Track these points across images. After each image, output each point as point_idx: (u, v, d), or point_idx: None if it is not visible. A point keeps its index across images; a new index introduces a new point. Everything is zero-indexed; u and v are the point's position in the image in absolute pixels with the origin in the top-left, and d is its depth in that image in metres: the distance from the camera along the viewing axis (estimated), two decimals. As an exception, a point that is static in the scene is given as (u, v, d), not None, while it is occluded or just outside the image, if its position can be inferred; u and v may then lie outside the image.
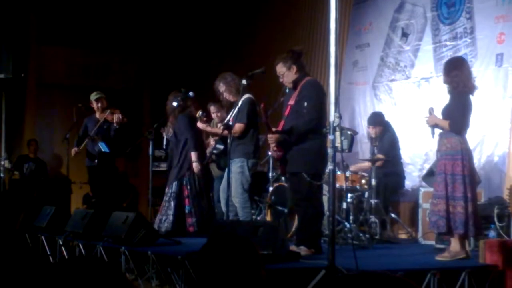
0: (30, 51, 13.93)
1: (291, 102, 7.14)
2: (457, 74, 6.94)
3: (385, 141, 9.44)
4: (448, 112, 6.95)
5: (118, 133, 10.18)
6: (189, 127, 9.21)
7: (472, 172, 6.95)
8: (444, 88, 7.33)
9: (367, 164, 9.36)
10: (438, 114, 7.13)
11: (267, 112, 7.35)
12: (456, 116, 6.89)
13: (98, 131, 10.32)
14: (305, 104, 6.99)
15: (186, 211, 9.20)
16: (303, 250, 6.88)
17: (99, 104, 10.46)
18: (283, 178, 9.56)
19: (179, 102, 8.85)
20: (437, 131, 7.10)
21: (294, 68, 7.17)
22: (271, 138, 7.11)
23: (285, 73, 7.18)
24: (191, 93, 8.72)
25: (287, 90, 7.52)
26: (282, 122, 7.19)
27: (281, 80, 7.31)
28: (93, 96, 10.51)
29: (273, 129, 7.12)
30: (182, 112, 9.27)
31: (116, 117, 10.15)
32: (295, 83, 7.19)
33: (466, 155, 6.86)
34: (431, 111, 7.14)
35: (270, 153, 9.88)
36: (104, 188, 10.29)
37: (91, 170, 10.49)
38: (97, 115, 10.49)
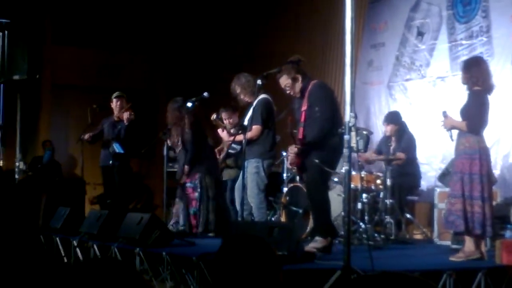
0: (45, 52, 13.95)
1: (304, 107, 7.22)
2: (476, 71, 6.90)
3: (403, 141, 9.41)
4: (466, 112, 6.91)
5: (128, 132, 10.19)
6: (194, 141, 9.38)
7: (489, 172, 6.91)
8: (460, 87, 7.30)
9: (380, 157, 9.40)
10: (454, 114, 7.08)
11: (294, 124, 7.51)
12: (474, 116, 6.85)
13: (112, 131, 10.34)
14: (316, 108, 7.06)
15: (191, 212, 9.45)
16: (319, 241, 6.89)
17: (118, 103, 10.46)
18: (297, 178, 9.56)
19: (194, 103, 8.84)
20: (455, 131, 7.05)
21: (299, 77, 7.29)
22: (292, 150, 7.16)
23: (291, 84, 7.30)
24: (205, 94, 8.70)
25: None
26: (301, 129, 7.24)
27: (288, 92, 7.37)
28: (114, 94, 10.53)
29: (298, 142, 7.21)
30: (193, 123, 9.38)
31: (126, 114, 10.18)
32: (302, 91, 7.28)
33: (484, 154, 6.84)
34: (445, 114, 7.10)
35: (284, 153, 9.89)
36: (118, 189, 10.31)
37: (105, 170, 10.50)
38: (115, 115, 10.48)
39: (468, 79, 6.94)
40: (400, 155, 9.28)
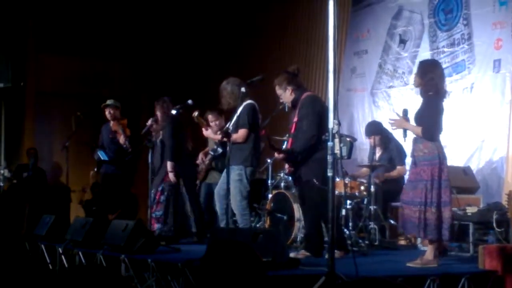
0: (29, 60, 13.95)
1: (295, 119, 7.37)
2: (432, 77, 6.78)
3: (391, 151, 9.41)
4: (420, 118, 6.81)
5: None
6: (172, 135, 9.32)
7: (449, 177, 6.86)
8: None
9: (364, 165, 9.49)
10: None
11: (269, 136, 7.88)
12: (429, 122, 6.74)
13: (109, 140, 10.37)
14: (304, 122, 7.19)
15: (153, 216, 9.27)
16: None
17: (111, 111, 10.45)
18: (282, 185, 9.59)
19: (179, 110, 8.86)
20: (410, 133, 7.05)
21: (289, 89, 7.51)
22: (278, 158, 7.35)
23: (282, 94, 7.56)
24: (190, 101, 8.72)
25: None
26: (290, 140, 7.40)
27: (281, 100, 7.64)
28: (103, 105, 10.55)
29: (280, 149, 7.35)
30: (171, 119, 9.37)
31: (122, 139, 10.16)
32: (294, 102, 7.47)
33: (443, 159, 6.76)
34: (404, 113, 6.99)
35: (269, 160, 9.93)
36: (108, 196, 10.34)
37: (106, 177, 10.49)
38: (111, 123, 10.50)
39: (423, 82, 6.82)
40: (401, 169, 9.36)
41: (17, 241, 9.40)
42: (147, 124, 9.31)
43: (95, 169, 10.39)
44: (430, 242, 6.77)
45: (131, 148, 10.20)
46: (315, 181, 7.09)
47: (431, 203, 6.67)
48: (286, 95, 7.49)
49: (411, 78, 10.48)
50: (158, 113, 9.56)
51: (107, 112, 10.48)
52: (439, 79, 6.87)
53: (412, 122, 6.90)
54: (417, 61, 10.41)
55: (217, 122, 9.54)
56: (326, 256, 6.99)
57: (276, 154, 7.52)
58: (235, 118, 8.09)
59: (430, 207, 6.67)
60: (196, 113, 9.22)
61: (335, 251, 7.00)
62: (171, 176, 9.41)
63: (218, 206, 8.28)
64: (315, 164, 7.15)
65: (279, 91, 7.54)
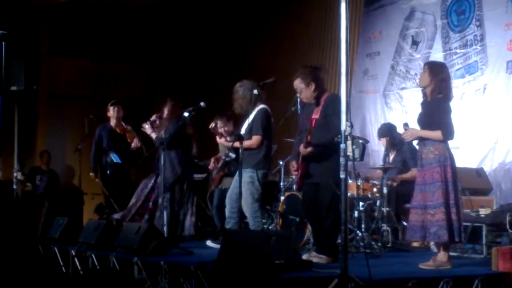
0: (42, 63, 14.00)
1: (315, 116, 7.22)
2: (443, 78, 6.76)
3: (402, 154, 9.37)
4: (434, 120, 6.74)
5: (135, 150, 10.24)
6: (174, 132, 9.25)
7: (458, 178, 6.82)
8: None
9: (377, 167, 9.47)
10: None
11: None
12: (447, 124, 6.71)
13: (113, 142, 10.32)
14: (335, 119, 7.05)
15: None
16: (323, 259, 7.00)
17: (116, 109, 10.43)
18: (294, 187, 9.58)
19: (191, 113, 8.85)
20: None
21: (313, 85, 7.29)
22: (306, 152, 7.18)
23: (303, 89, 7.31)
24: (202, 103, 8.72)
25: (298, 100, 7.64)
26: (309, 136, 7.25)
27: (297, 95, 7.40)
28: (111, 102, 10.51)
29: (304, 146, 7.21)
30: (176, 118, 9.34)
31: (135, 142, 10.14)
32: (317, 99, 7.29)
33: (453, 160, 6.73)
34: (406, 126, 7.00)
35: (281, 162, 9.92)
36: (117, 199, 10.32)
37: (105, 180, 10.48)
38: (112, 123, 10.46)
39: (438, 83, 6.72)
40: (415, 171, 9.30)
41: (32, 244, 9.43)
42: (150, 119, 9.27)
43: (92, 173, 10.39)
44: (446, 244, 6.74)
45: (146, 150, 10.19)
46: (332, 183, 6.99)
47: (450, 204, 6.64)
48: (308, 90, 7.28)
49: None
50: (165, 111, 9.45)
51: (113, 111, 10.42)
52: (448, 82, 6.85)
53: (416, 126, 6.89)
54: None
55: (226, 128, 9.53)
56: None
57: (302, 148, 7.34)
58: (248, 122, 8.08)
59: (451, 209, 6.63)
60: (212, 125, 9.29)
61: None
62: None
63: (227, 208, 8.29)
64: (332, 166, 7.00)
65: (300, 85, 7.29)
